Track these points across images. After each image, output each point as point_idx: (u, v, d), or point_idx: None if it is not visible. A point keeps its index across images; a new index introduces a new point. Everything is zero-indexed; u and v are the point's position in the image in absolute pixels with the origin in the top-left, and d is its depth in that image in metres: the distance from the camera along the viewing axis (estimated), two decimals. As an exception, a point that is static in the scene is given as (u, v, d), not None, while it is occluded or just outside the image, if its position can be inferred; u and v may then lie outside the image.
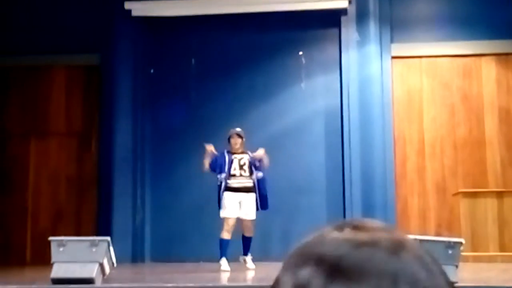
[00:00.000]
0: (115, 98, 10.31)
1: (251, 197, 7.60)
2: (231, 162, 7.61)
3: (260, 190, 7.64)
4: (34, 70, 10.81)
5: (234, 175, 7.60)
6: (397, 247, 0.60)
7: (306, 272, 0.60)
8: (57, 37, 10.65)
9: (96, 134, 10.67)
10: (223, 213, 7.54)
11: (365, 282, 0.57)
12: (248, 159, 7.68)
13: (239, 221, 7.62)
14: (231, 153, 7.72)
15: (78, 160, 10.67)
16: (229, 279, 6.73)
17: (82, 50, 10.62)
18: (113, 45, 10.43)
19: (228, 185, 7.56)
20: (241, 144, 7.78)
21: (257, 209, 7.62)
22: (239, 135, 7.77)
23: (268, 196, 7.70)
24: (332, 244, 0.61)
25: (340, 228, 0.64)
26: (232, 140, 7.74)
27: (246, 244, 7.70)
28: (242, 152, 7.76)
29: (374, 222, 0.65)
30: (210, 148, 7.64)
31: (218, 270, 7.35)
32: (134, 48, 10.48)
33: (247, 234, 7.68)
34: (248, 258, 7.73)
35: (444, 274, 0.62)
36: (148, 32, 10.62)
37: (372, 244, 0.60)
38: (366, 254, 0.59)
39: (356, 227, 0.63)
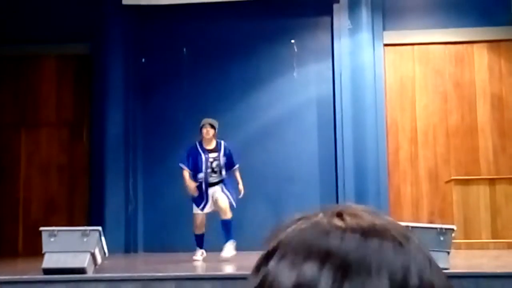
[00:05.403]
0: (106, 87, 10.25)
1: (220, 186, 7.58)
2: (202, 162, 7.55)
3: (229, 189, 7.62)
4: (24, 59, 10.72)
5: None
6: (403, 237, 0.56)
7: (311, 270, 0.53)
8: (47, 27, 10.56)
9: (88, 124, 10.61)
10: (194, 210, 7.59)
11: (377, 278, 0.52)
12: (218, 161, 7.59)
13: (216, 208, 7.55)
14: (203, 148, 7.62)
15: (69, 150, 10.62)
16: (221, 269, 6.72)
17: (73, 40, 10.54)
18: (104, 34, 10.36)
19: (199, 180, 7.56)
20: (213, 134, 7.63)
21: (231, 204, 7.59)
22: (211, 125, 7.64)
23: (235, 198, 7.63)
24: (336, 235, 0.55)
25: (333, 214, 0.58)
26: (204, 130, 7.59)
27: (226, 229, 7.46)
28: (215, 149, 7.63)
29: (364, 208, 0.60)
30: (193, 189, 7.58)
31: (211, 260, 7.36)
32: (125, 37, 10.41)
33: (224, 217, 7.45)
34: (229, 244, 7.41)
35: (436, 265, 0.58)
36: (139, 21, 10.54)
37: (378, 235, 0.55)
38: (374, 247, 0.54)
39: (350, 214, 0.58)
